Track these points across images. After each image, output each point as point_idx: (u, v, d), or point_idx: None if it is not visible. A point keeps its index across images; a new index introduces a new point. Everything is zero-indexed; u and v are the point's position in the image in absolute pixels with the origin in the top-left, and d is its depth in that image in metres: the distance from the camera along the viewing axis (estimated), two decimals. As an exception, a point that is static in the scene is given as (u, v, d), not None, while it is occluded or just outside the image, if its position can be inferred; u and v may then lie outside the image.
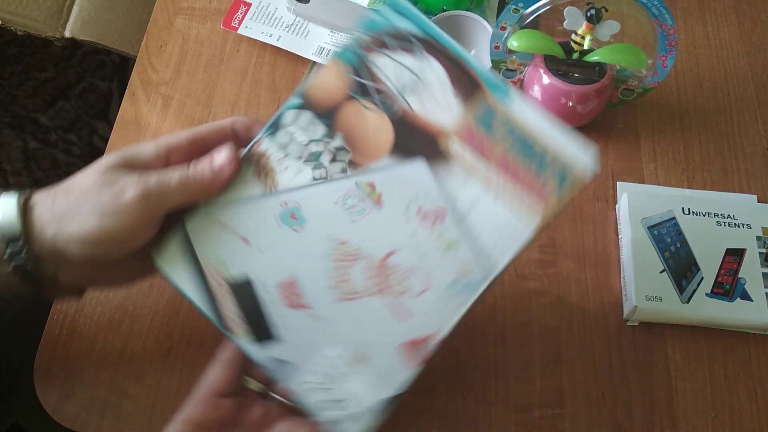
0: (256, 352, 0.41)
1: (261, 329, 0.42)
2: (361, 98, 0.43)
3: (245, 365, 0.43)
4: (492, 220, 0.41)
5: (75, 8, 0.78)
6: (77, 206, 0.40)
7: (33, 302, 0.56)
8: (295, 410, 0.42)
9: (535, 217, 0.40)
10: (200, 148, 0.44)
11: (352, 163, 0.42)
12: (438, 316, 0.41)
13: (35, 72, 0.87)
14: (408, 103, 0.42)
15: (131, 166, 0.41)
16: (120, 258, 0.42)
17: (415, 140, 0.42)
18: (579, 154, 0.40)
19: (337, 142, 0.43)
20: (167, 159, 0.43)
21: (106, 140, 0.61)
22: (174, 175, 0.41)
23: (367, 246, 0.42)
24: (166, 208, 0.41)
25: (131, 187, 0.40)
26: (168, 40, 0.67)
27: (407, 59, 0.42)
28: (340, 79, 0.43)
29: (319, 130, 0.43)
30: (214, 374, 0.42)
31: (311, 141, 0.43)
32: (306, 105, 0.43)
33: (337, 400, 0.41)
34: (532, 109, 0.40)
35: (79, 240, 0.40)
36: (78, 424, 0.48)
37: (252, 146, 0.43)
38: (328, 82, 0.43)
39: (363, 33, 0.43)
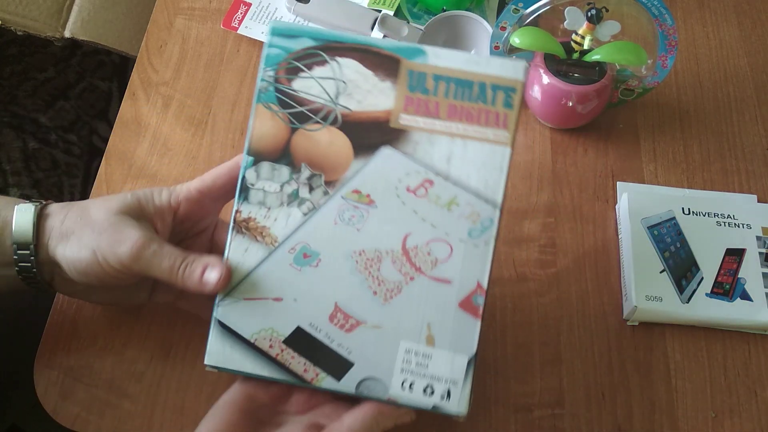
0: (342, 386, 0.42)
1: (335, 365, 0.43)
2: (302, 125, 0.44)
3: None
4: (471, 163, 0.43)
5: (75, 8, 0.78)
6: (80, 233, 0.43)
7: (32, 303, 0.57)
8: (340, 397, 0.43)
9: (504, 142, 0.43)
10: (211, 197, 0.46)
11: (328, 183, 0.44)
12: (473, 267, 0.43)
13: (35, 72, 0.87)
14: (345, 106, 0.44)
15: (144, 209, 0.44)
16: (105, 287, 0.45)
17: (370, 134, 0.44)
18: (507, 69, 0.43)
19: (306, 172, 0.44)
20: (178, 207, 0.46)
21: (106, 140, 0.61)
22: (168, 258, 0.43)
23: (382, 244, 0.44)
24: (149, 276, 0.43)
25: (129, 243, 0.42)
26: (168, 40, 0.67)
27: (322, 70, 0.44)
28: (275, 120, 0.44)
29: (284, 172, 0.44)
30: None
31: (283, 185, 0.44)
32: (259, 158, 0.44)
33: (429, 385, 0.43)
34: (450, 53, 0.43)
35: (70, 263, 0.43)
36: (78, 424, 0.48)
37: (234, 218, 0.44)
38: (266, 128, 0.44)
39: (269, 70, 0.44)
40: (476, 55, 0.43)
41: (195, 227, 0.48)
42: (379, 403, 0.42)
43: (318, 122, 0.44)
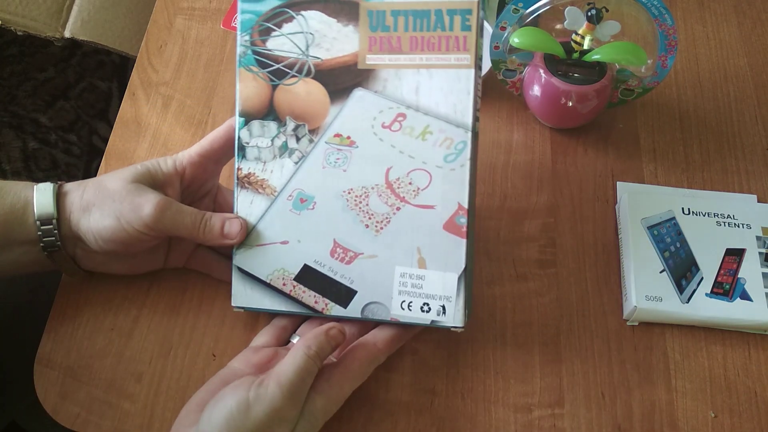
0: (349, 312, 0.47)
1: (340, 294, 0.47)
2: (281, 81, 0.48)
3: (292, 328, 0.50)
4: (438, 91, 0.46)
5: (75, 8, 0.78)
6: (101, 204, 0.46)
7: (30, 299, 0.57)
8: None
9: (467, 65, 0.46)
10: (212, 159, 0.50)
11: (312, 132, 0.48)
12: (453, 189, 0.46)
13: (35, 72, 0.87)
14: (315, 56, 0.47)
15: (154, 178, 0.48)
16: (127, 253, 0.48)
17: (341, 79, 0.47)
18: None
19: (291, 124, 0.48)
20: (183, 172, 0.49)
21: (106, 140, 0.61)
22: (188, 216, 0.47)
23: (367, 180, 0.47)
24: (172, 234, 0.47)
25: (149, 205, 0.45)
26: (168, 40, 0.67)
27: (290, 26, 0.48)
28: (257, 80, 0.48)
29: (272, 127, 0.48)
30: (261, 334, 0.49)
31: (273, 139, 0.48)
32: (249, 118, 0.49)
33: (425, 303, 0.47)
34: None
35: (95, 233, 0.46)
36: (78, 424, 0.48)
37: (237, 175, 0.49)
38: (250, 89, 0.48)
39: (245, 35, 0.48)
40: None
41: (199, 191, 0.52)
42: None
43: (294, 76, 0.47)
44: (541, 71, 0.57)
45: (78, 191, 0.47)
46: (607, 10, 0.55)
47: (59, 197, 0.46)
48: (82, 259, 0.49)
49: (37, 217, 0.46)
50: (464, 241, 0.46)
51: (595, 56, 0.56)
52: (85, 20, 0.78)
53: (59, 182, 0.48)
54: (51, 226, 0.46)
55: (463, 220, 0.46)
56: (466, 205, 0.46)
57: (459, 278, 0.46)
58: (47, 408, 0.49)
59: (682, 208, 0.55)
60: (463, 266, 0.46)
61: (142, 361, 0.51)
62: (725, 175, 0.60)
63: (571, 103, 0.57)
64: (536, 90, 0.58)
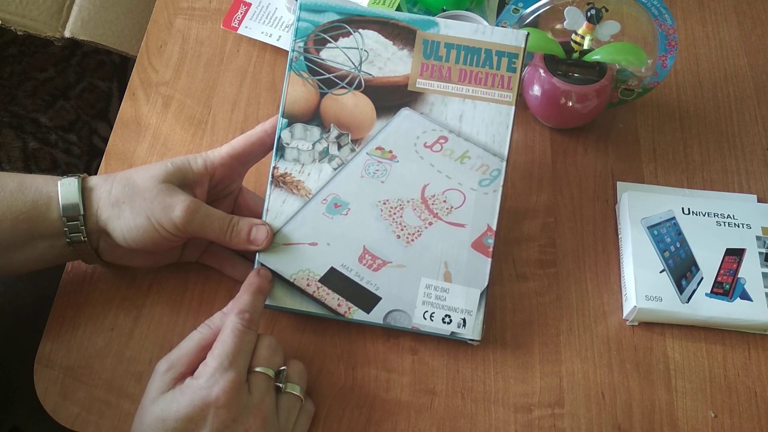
0: (371, 318, 0.49)
1: (365, 300, 0.49)
2: (330, 90, 0.50)
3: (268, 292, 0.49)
4: (480, 121, 0.49)
5: (75, 8, 0.78)
6: (131, 202, 0.46)
7: (34, 304, 0.57)
8: None
9: (509, 102, 0.49)
10: (241, 161, 0.50)
11: (354, 141, 0.50)
12: (484, 212, 0.49)
13: (35, 72, 0.87)
14: (368, 73, 0.50)
15: (185, 177, 0.48)
16: (152, 251, 0.49)
17: (390, 97, 0.50)
18: (510, 37, 0.49)
19: (334, 132, 0.50)
20: (213, 172, 0.49)
21: (106, 140, 0.61)
22: (217, 220, 0.47)
23: (403, 193, 0.49)
24: (199, 236, 0.48)
25: (181, 206, 0.46)
26: (168, 40, 0.67)
27: (346, 41, 0.50)
28: (306, 86, 0.50)
29: (315, 132, 0.50)
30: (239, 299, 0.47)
31: (314, 143, 0.50)
32: (293, 120, 0.50)
33: (447, 315, 0.49)
34: (459, 25, 0.49)
35: (125, 230, 0.46)
36: (78, 424, 0.48)
37: (272, 174, 0.50)
38: (298, 93, 0.50)
39: (300, 41, 0.50)
40: (482, 26, 0.49)
41: (223, 191, 0.52)
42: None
43: (344, 87, 0.50)
44: (541, 71, 0.57)
45: (105, 186, 0.47)
46: (606, 10, 0.55)
47: (84, 192, 0.46)
48: (105, 251, 0.49)
49: (63, 213, 0.46)
50: (489, 260, 0.49)
51: (595, 56, 0.56)
52: (86, 20, 0.78)
53: (83, 175, 0.48)
54: (78, 222, 0.46)
55: (491, 241, 0.49)
56: (494, 227, 0.49)
57: (481, 294, 0.49)
58: (47, 408, 0.49)
59: (682, 208, 0.55)
60: (486, 283, 0.49)
61: (142, 361, 0.51)
62: (725, 175, 0.60)
63: (571, 103, 0.57)
64: (536, 90, 0.58)
